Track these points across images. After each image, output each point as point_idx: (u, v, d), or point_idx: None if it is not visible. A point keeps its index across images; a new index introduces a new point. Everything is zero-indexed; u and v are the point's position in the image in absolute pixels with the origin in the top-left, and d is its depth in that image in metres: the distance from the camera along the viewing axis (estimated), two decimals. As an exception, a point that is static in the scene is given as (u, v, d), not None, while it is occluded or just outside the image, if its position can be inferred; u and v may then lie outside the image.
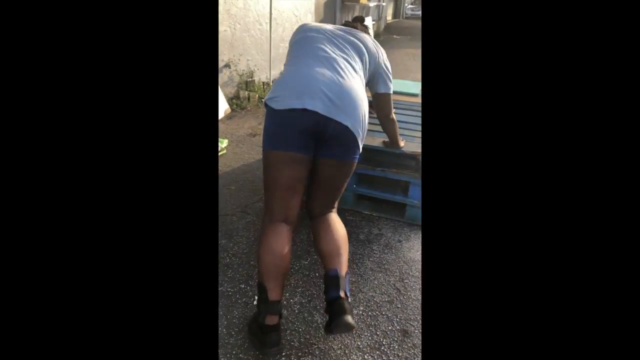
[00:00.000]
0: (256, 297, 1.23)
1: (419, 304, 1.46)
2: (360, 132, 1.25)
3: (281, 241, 1.18)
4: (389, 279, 1.59)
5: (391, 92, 1.51)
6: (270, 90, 1.30)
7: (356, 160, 1.31)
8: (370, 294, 1.50)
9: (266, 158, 1.26)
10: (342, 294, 1.14)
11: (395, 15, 13.63)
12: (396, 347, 1.28)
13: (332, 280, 1.17)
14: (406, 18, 14.98)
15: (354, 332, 1.31)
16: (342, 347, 1.26)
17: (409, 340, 1.30)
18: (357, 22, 1.56)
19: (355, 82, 1.27)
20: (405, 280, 1.58)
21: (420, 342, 1.30)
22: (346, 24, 1.54)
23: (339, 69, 1.25)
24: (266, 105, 1.26)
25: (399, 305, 1.45)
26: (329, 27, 1.43)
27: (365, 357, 1.23)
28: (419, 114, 2.37)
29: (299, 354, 1.22)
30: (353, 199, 2.00)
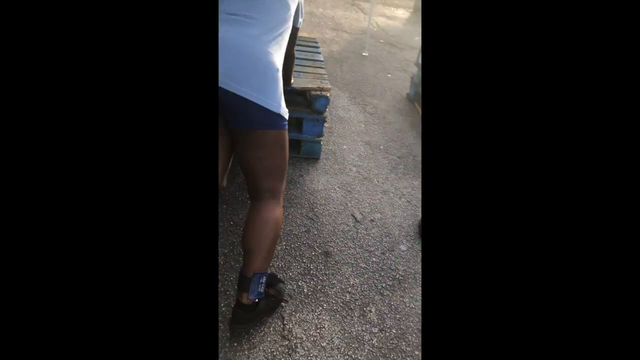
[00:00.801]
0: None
1: (332, 227, 1.63)
2: (265, 97, 1.05)
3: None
4: (301, 211, 1.69)
5: (300, 26, 1.33)
6: None
7: (271, 129, 1.09)
8: (289, 228, 1.58)
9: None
10: (242, 298, 1.10)
11: None
12: (322, 267, 1.43)
13: (239, 280, 1.13)
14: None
15: (284, 265, 1.40)
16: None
17: (331, 259, 1.47)
18: None
19: (252, 39, 1.07)
20: (315, 209, 1.71)
21: (341, 259, 1.48)
22: None
23: (242, 25, 1.07)
24: None
25: (315, 232, 1.59)
26: None
27: (299, 283, 1.35)
28: (306, 48, 2.35)
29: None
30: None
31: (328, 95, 1.85)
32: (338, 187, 1.89)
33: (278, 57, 1.12)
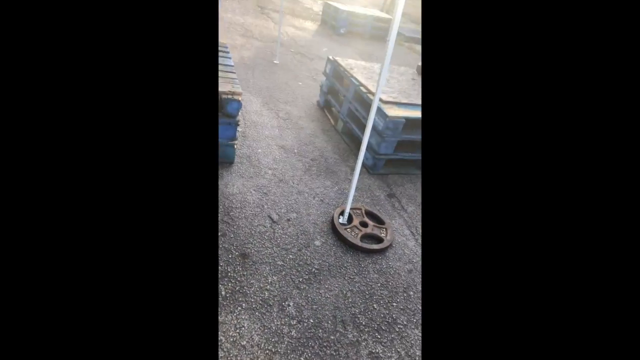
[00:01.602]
0: None
1: (248, 229, 1.64)
2: None
3: None
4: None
5: None
6: None
7: None
8: (203, 234, 1.55)
9: None
10: None
11: None
12: (240, 269, 1.43)
13: None
14: None
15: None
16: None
17: (248, 260, 1.48)
18: None
19: None
20: (231, 213, 1.71)
21: (259, 259, 1.51)
22: None
23: None
24: None
25: (232, 235, 1.58)
26: None
27: (219, 287, 1.33)
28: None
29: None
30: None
31: (240, 99, 1.87)
32: (254, 190, 1.91)
33: None
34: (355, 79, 2.56)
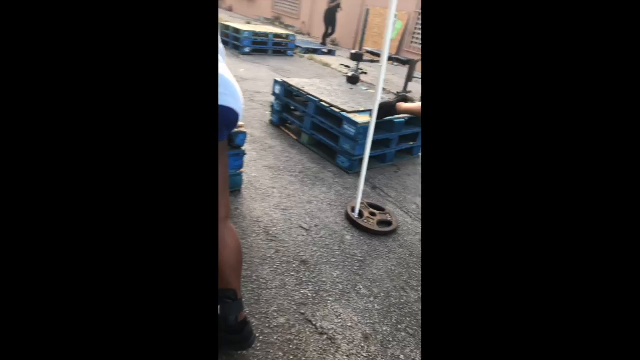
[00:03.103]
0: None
1: (292, 241, 1.85)
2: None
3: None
4: (259, 238, 1.83)
5: None
6: None
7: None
8: (260, 255, 1.71)
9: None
10: (240, 317, 1.17)
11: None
12: (308, 273, 1.66)
13: (232, 303, 1.16)
14: None
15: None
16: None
17: (309, 265, 1.71)
18: None
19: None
20: (270, 232, 1.88)
21: (316, 261, 1.75)
22: None
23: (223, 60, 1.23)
24: None
25: (283, 250, 1.78)
26: None
27: (302, 292, 1.54)
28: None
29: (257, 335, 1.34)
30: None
31: (245, 131, 2.04)
32: (274, 208, 2.10)
33: None
34: (313, 96, 2.91)
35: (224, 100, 1.14)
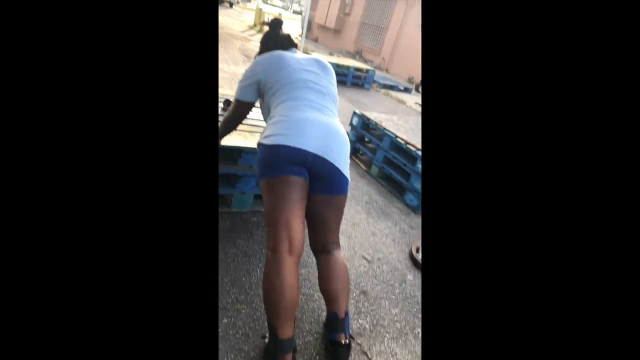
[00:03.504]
0: (267, 336, 1.23)
1: (355, 270, 1.87)
2: (347, 168, 1.39)
3: (287, 275, 1.14)
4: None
5: None
6: (264, 131, 1.32)
7: (346, 195, 1.40)
8: (324, 277, 1.76)
9: (263, 188, 1.29)
10: (339, 338, 1.22)
11: None
12: (367, 304, 1.66)
13: (330, 323, 1.27)
14: None
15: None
16: None
17: (369, 296, 1.71)
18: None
19: (338, 122, 1.42)
20: (332, 257, 1.93)
21: (376, 294, 1.74)
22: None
23: (325, 113, 1.39)
24: (259, 145, 1.30)
25: (344, 277, 1.81)
26: (303, 61, 1.50)
27: (360, 322, 1.54)
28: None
29: None
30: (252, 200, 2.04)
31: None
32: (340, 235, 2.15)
33: None
34: (390, 131, 2.97)
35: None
